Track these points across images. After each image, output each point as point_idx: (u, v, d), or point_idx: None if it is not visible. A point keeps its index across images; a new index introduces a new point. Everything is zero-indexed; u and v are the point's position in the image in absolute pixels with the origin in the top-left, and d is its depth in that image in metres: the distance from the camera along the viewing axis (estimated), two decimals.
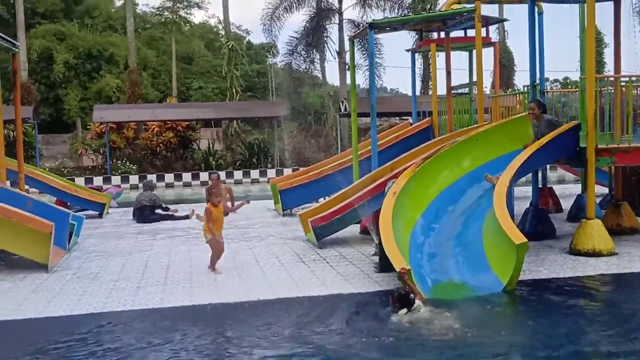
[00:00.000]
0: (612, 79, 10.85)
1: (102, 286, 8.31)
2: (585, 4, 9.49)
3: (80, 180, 25.55)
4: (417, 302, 6.48)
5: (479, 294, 7.16)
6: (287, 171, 26.00)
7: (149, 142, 30.34)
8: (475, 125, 12.25)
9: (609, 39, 19.11)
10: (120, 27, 42.81)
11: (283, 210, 14.92)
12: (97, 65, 39.96)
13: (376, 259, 8.59)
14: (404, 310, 6.37)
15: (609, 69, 31.32)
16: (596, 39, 10.47)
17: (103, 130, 29.25)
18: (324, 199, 13.11)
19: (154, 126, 30.53)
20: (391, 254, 7.40)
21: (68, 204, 15.85)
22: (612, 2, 11.32)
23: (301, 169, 20.15)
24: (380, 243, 7.93)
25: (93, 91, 38.79)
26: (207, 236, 8.91)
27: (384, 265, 8.12)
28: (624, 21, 11.54)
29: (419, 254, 8.21)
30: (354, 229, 11.46)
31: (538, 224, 10.73)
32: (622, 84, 10.37)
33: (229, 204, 15.40)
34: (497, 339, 5.87)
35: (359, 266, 8.88)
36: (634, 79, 10.67)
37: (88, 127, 32.31)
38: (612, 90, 10.33)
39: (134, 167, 28.74)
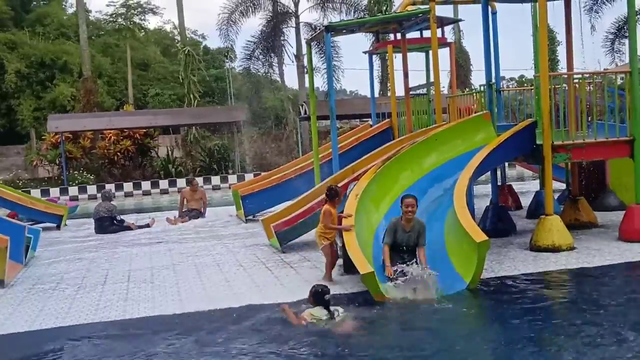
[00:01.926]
0: (565, 76, 11.05)
1: (62, 300, 8.11)
2: (537, 3, 9.64)
3: (36, 192, 24.99)
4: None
5: (443, 293, 7.19)
6: (249, 176, 25.86)
7: (106, 151, 29.85)
8: (433, 125, 12.36)
9: (561, 37, 19.52)
10: (73, 35, 42.03)
11: (245, 216, 14.82)
12: (51, 74, 39.15)
13: (340, 261, 8.57)
14: (323, 311, 6.37)
15: (563, 66, 31.97)
16: (549, 38, 10.65)
17: (58, 141, 28.68)
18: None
19: (110, 135, 30.06)
20: (355, 257, 7.40)
21: (18, 215, 15.47)
22: (562, 1, 11.53)
23: (263, 173, 20.05)
24: (343, 246, 7.92)
25: (47, 100, 37.98)
26: (323, 242, 8.14)
27: (348, 268, 8.12)
28: (575, 19, 11.79)
29: (382, 256, 8.20)
30: None
31: (498, 222, 10.87)
32: (575, 81, 10.58)
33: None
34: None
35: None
36: (586, 76, 10.90)
37: (43, 137, 31.62)
38: (566, 88, 10.53)
39: (92, 177, 28.22)
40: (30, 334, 6.75)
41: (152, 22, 55.04)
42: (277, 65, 36.76)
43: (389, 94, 21.76)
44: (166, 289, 8.40)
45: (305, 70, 32.06)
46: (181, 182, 28.22)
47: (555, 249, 9.12)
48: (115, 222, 14.69)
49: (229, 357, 5.61)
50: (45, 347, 6.19)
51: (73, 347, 6.17)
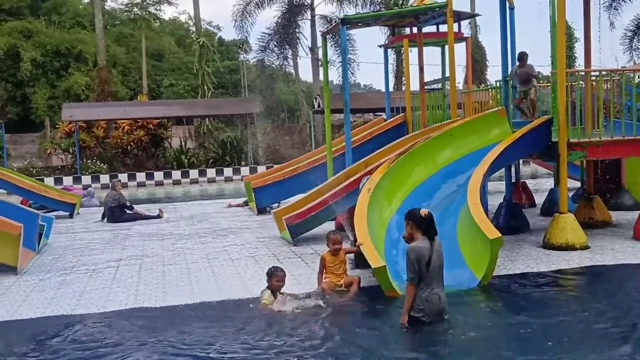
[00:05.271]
0: (582, 73, 10.94)
1: (74, 287, 8.15)
2: None
3: (49, 181, 25.15)
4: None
5: (455, 289, 7.15)
6: (261, 169, 25.88)
7: (119, 140, 29.97)
8: (448, 121, 12.28)
9: (579, 33, 19.34)
10: (88, 24, 42.17)
11: (257, 209, 14.82)
12: (66, 63, 39.33)
13: (351, 256, 8.55)
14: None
15: (580, 63, 31.67)
16: (566, 34, 10.53)
17: (72, 129, 28.82)
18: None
19: (124, 124, 30.17)
20: (366, 251, 7.37)
21: (30, 203, 15.56)
22: None
23: (275, 166, 20.04)
24: (355, 240, 7.90)
25: (61, 89, 38.18)
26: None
27: (360, 261, 8.09)
28: (594, 16, 11.64)
29: (394, 250, 8.18)
30: (329, 226, 11.40)
31: (512, 219, 10.79)
32: (593, 78, 10.47)
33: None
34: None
35: None
36: (604, 73, 10.78)
37: (57, 126, 31.80)
38: (583, 85, 10.42)
39: (105, 167, 28.36)
40: (42, 321, 6.78)
41: (167, 13, 55.33)
42: (291, 57, 36.78)
43: (403, 89, 21.68)
44: (177, 279, 8.42)
45: (320, 63, 32.02)
46: (194, 173, 28.37)
47: (568, 248, 9.04)
48: (126, 209, 14.75)
49: (238, 346, 5.61)
50: (57, 334, 6.21)
51: (84, 335, 6.18)
